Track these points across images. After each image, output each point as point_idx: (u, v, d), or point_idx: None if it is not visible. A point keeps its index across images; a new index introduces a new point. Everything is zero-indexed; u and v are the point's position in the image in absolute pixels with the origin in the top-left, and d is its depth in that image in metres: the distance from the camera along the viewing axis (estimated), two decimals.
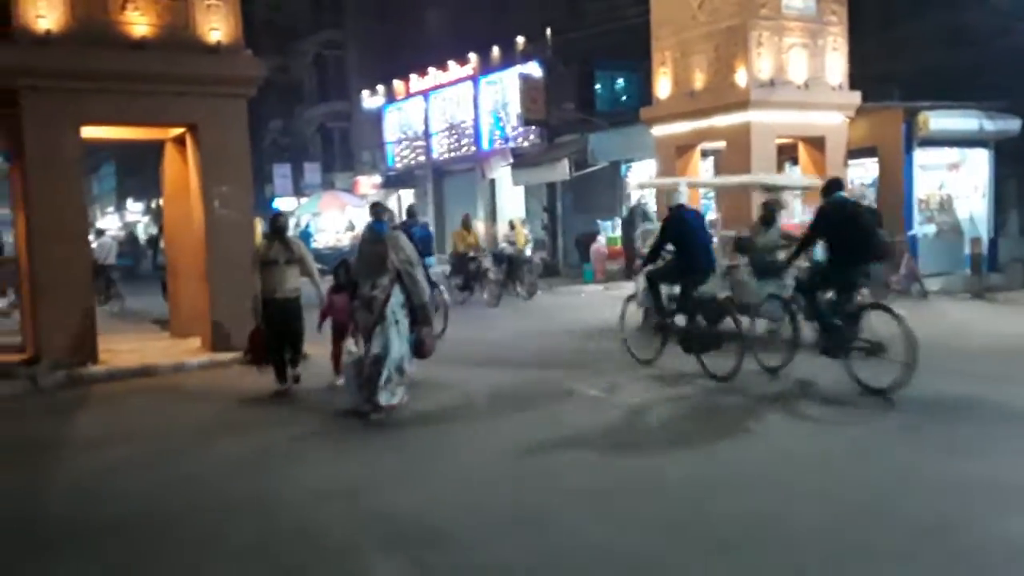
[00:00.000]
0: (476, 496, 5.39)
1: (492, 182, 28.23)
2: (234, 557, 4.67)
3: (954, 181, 16.83)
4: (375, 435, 7.04)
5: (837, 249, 7.56)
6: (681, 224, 8.56)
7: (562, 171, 21.83)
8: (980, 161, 16.72)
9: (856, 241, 7.46)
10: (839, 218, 7.58)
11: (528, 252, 17.92)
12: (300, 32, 39.66)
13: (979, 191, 16.81)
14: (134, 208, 59.45)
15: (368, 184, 36.29)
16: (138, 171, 49.82)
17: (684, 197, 9.41)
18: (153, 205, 45.05)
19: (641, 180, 19.54)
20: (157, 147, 12.55)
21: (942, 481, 5.27)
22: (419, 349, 8.08)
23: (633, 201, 20.94)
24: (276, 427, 7.47)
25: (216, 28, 11.06)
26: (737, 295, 9.05)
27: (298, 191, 38.28)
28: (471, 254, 16.62)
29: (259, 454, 6.69)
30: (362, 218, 32.75)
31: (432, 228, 31.60)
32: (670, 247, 8.75)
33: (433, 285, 8.78)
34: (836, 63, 16.02)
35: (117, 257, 18.86)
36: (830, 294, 7.78)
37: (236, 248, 10.62)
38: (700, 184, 15.60)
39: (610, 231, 20.82)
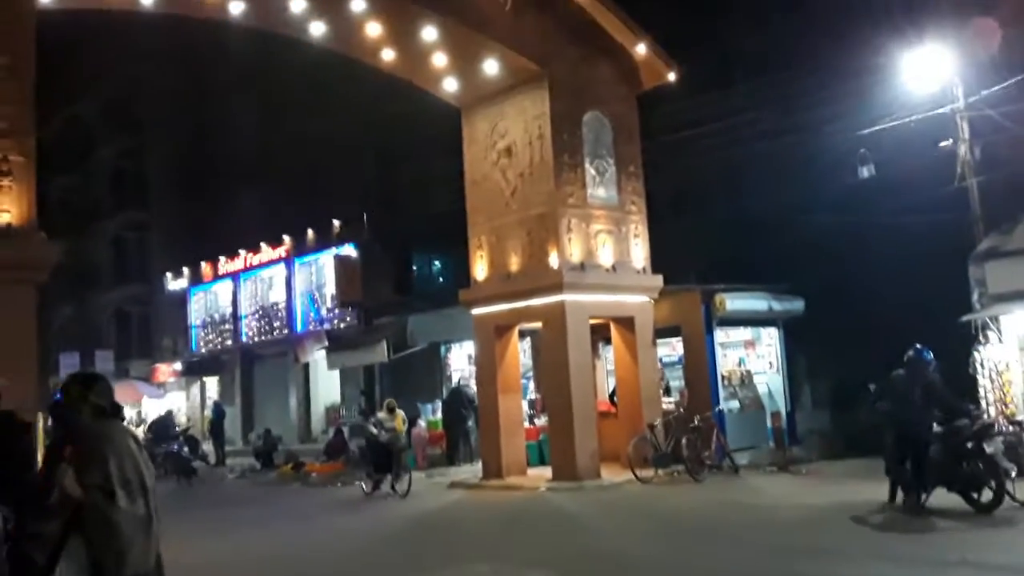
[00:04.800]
0: None
1: (306, 366, 27.37)
2: None
3: (751, 358, 18.06)
4: None
5: None
6: None
7: (380, 353, 21.50)
8: (772, 339, 18.09)
9: None
10: None
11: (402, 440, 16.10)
12: (101, 212, 38.05)
13: (773, 367, 18.07)
14: None
15: (168, 372, 34.27)
16: None
17: None
18: None
19: None
20: None
21: None
22: None
23: (454, 383, 20.86)
24: None
25: (7, 210, 10.35)
26: None
27: None
28: None
29: None
30: (157, 409, 30.55)
31: (238, 416, 30.13)
32: None
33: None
34: (639, 248, 17.02)
35: None
36: None
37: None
38: None
39: (430, 414, 20.46)
